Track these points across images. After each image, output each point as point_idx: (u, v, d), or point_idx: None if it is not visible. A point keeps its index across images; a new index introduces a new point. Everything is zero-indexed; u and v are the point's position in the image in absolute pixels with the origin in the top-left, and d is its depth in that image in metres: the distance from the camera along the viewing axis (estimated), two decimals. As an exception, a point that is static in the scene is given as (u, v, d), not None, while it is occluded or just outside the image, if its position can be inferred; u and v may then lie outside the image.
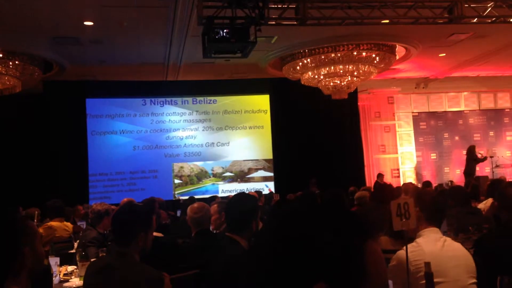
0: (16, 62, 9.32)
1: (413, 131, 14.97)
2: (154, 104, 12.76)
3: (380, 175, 12.82)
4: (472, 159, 12.69)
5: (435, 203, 2.64)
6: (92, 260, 3.69)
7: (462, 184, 11.72)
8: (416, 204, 2.53)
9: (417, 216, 2.50)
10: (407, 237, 2.24)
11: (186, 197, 10.70)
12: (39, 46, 9.27)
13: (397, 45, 10.41)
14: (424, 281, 2.17)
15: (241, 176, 13.12)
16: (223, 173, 13.07)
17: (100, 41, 9.25)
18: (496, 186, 5.87)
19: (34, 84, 10.56)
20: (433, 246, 2.47)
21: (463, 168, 12.96)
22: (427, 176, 14.27)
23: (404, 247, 2.40)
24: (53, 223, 5.59)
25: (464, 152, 13.15)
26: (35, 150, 11.32)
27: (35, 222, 5.60)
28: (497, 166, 14.24)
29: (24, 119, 11.48)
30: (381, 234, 4.21)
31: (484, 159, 12.83)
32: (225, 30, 6.30)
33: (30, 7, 7.39)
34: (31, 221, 1.76)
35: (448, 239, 2.57)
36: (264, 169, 13.22)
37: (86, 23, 8.21)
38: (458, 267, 2.43)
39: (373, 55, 10.19)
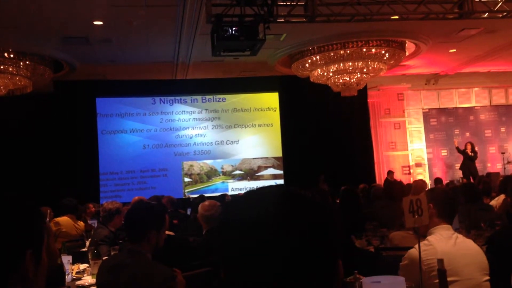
0: (27, 63, 9.40)
1: (423, 127, 14.87)
2: (164, 102, 12.80)
3: (390, 172, 12.77)
4: (464, 154, 12.78)
5: (448, 199, 2.59)
6: (104, 258, 3.72)
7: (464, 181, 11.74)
8: (428, 200, 2.48)
9: (430, 213, 2.46)
10: (419, 235, 2.21)
11: (196, 196, 10.73)
12: (49, 46, 9.33)
13: (406, 41, 10.35)
14: (437, 280, 2.15)
15: (251, 174, 13.13)
16: (233, 171, 13.09)
17: (109, 41, 9.29)
18: (508, 182, 5.83)
19: (45, 84, 10.65)
20: (446, 244, 2.42)
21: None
22: (438, 173, 14.19)
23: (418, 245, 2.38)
24: (60, 219, 5.68)
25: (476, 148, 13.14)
26: (45, 150, 11.41)
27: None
28: (508, 162, 14.11)
29: (35, 118, 11.56)
30: (392, 231, 4.20)
31: (471, 157, 12.78)
32: (234, 28, 6.30)
33: (40, 7, 7.45)
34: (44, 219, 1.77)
35: (460, 236, 2.53)
36: (273, 167, 13.22)
37: (96, 22, 8.26)
38: (471, 265, 2.40)
39: (383, 52, 10.14)
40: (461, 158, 13.29)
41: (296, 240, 0.87)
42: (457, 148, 13.22)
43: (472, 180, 11.42)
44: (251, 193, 0.97)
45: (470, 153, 12.84)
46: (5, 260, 1.26)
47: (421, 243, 2.39)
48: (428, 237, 2.48)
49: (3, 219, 1.35)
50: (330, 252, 0.91)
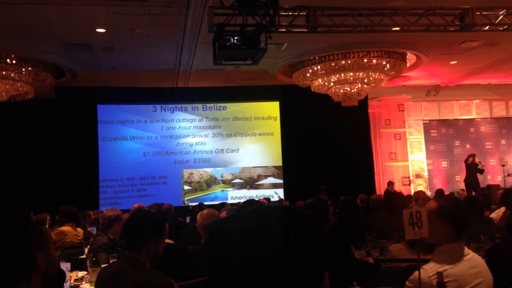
0: (29, 69, 9.42)
1: (423, 138, 14.89)
2: (165, 110, 12.83)
3: (390, 183, 12.76)
4: (470, 167, 12.66)
5: (466, 217, 2.41)
6: (102, 265, 3.70)
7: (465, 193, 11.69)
8: (443, 219, 2.32)
9: (445, 232, 2.33)
10: (419, 254, 2.15)
11: (196, 204, 10.72)
12: (51, 52, 9.37)
13: (407, 53, 10.38)
14: None
15: (251, 183, 13.12)
16: (233, 179, 13.08)
17: (112, 48, 9.33)
18: (509, 195, 5.82)
19: (46, 90, 10.67)
20: (458, 265, 2.30)
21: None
22: (438, 184, 14.17)
23: (426, 264, 2.29)
24: (64, 228, 5.62)
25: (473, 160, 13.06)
26: (46, 156, 11.41)
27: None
28: (509, 174, 14.11)
29: (35, 125, 11.58)
30: (392, 242, 4.19)
31: (481, 171, 12.67)
32: (235, 37, 6.32)
33: (43, 14, 7.48)
34: (44, 226, 1.78)
35: (469, 252, 2.41)
36: (273, 176, 13.21)
37: (99, 30, 8.29)
38: (480, 284, 2.32)
39: (384, 63, 10.17)
40: (462, 169, 13.24)
41: (292, 252, 0.92)
42: (466, 163, 12.99)
43: (474, 193, 11.37)
44: (247, 209, 1.03)
45: (480, 166, 12.69)
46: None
47: (431, 266, 2.29)
48: (442, 261, 2.31)
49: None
50: (320, 265, 0.96)
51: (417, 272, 2.23)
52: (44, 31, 8.22)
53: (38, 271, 1.51)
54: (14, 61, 9.19)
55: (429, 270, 2.24)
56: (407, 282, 2.34)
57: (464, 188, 13.53)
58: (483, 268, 2.40)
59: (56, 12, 7.42)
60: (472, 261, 2.37)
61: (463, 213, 2.41)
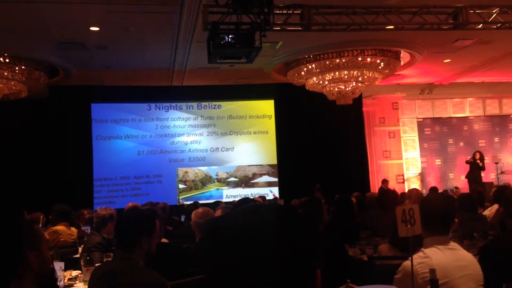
0: (23, 67, 9.38)
1: (417, 136, 14.94)
2: (159, 109, 12.80)
3: (384, 181, 12.79)
4: (472, 164, 12.70)
5: (435, 212, 2.52)
6: (96, 265, 3.70)
7: (467, 190, 11.71)
8: (423, 214, 2.39)
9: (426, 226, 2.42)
10: (412, 247, 2.19)
11: (190, 202, 10.71)
12: (45, 51, 9.33)
13: (401, 51, 10.41)
14: None
15: (246, 181, 13.12)
16: (228, 178, 13.08)
17: (106, 47, 9.30)
18: (502, 192, 5.86)
19: (40, 89, 10.62)
20: (442, 256, 2.39)
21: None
22: (432, 182, 14.22)
23: (411, 257, 2.36)
24: (58, 228, 5.60)
25: (469, 157, 13.10)
26: (40, 155, 11.36)
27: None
28: (502, 172, 14.18)
29: (29, 123, 11.52)
30: (384, 242, 4.21)
31: (480, 167, 12.70)
32: (230, 36, 6.32)
33: (36, 13, 7.45)
34: (37, 225, 1.77)
35: (457, 247, 2.50)
36: (268, 174, 13.22)
37: (92, 28, 8.26)
38: (466, 277, 2.38)
39: (378, 61, 10.19)
40: (455, 167, 13.27)
41: (286, 250, 0.92)
42: (467, 161, 13.00)
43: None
44: (241, 207, 1.03)
45: (480, 163, 12.73)
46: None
47: (417, 255, 2.38)
48: (424, 249, 2.44)
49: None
50: (314, 263, 0.97)
51: (406, 262, 2.34)
52: (38, 30, 8.18)
53: (30, 270, 1.50)
54: (7, 60, 9.14)
55: (413, 260, 2.32)
56: (397, 272, 2.46)
57: (457, 186, 13.60)
58: (470, 262, 2.47)
59: (50, 10, 7.39)
60: (458, 255, 2.45)
61: (431, 207, 2.52)
